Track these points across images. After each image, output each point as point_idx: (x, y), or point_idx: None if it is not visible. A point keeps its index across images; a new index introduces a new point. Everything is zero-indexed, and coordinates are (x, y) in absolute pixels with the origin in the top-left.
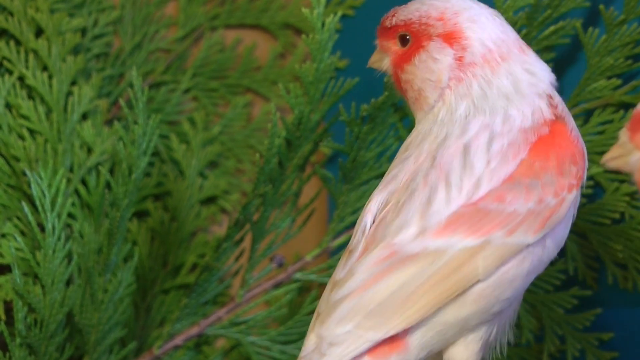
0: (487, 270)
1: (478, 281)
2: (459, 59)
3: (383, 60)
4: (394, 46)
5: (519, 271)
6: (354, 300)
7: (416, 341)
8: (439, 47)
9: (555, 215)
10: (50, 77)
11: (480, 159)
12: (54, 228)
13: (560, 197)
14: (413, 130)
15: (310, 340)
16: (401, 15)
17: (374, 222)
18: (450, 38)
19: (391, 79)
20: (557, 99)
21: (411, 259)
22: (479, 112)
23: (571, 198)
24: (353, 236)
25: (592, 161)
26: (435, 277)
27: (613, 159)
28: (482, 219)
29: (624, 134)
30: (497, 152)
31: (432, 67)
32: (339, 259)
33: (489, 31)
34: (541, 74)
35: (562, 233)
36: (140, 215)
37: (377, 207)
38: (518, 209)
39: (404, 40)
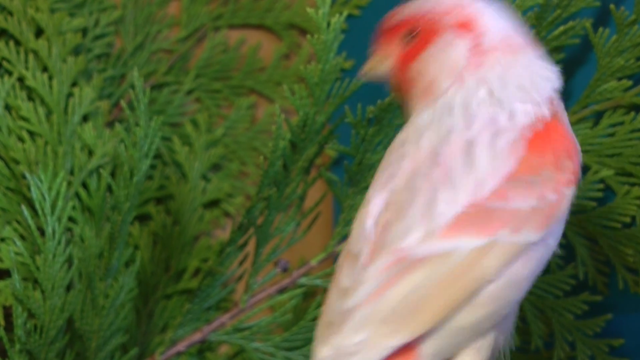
0: (497, 270)
1: (488, 282)
2: (477, 46)
3: (384, 62)
4: (398, 46)
5: (526, 271)
6: (367, 309)
7: (429, 349)
8: (453, 36)
9: (557, 211)
10: (50, 78)
11: (484, 156)
12: (54, 232)
13: (560, 193)
14: (408, 124)
15: (323, 352)
16: (407, 11)
17: (375, 225)
18: (466, 26)
19: (391, 79)
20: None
21: (419, 263)
22: (492, 101)
23: (570, 194)
24: (351, 239)
25: (602, 164)
26: (446, 280)
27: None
28: (488, 218)
29: None
30: (501, 149)
31: (449, 54)
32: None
33: (504, 19)
34: (554, 70)
35: (560, 231)
36: (142, 218)
37: (377, 210)
38: (521, 207)
39: (410, 38)
